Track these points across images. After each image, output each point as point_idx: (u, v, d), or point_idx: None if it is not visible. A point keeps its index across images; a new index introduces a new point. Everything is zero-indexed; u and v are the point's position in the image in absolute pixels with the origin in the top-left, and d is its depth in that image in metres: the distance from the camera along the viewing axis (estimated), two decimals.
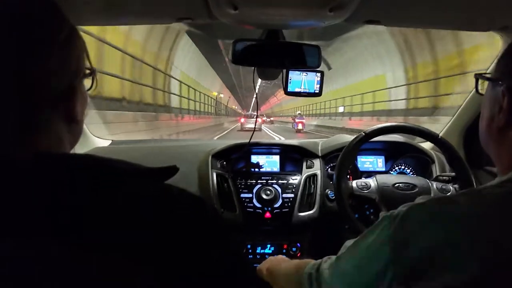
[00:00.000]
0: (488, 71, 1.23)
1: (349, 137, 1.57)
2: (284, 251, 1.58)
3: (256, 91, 1.54)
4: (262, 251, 1.57)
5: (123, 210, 0.47)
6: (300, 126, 23.39)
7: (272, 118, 51.95)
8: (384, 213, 0.64)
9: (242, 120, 25.51)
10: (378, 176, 1.42)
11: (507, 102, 0.62)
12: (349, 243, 0.72)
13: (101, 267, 0.43)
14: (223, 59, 21.70)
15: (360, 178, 1.58)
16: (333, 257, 0.75)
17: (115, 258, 0.44)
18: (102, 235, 0.45)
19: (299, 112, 34.88)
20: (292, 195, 1.55)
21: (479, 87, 0.78)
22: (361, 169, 1.75)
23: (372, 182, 1.39)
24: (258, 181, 1.58)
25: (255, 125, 1.93)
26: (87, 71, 0.60)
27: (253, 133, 1.63)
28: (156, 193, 0.51)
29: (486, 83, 0.70)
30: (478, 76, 0.75)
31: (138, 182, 0.51)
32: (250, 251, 1.57)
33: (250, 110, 68.61)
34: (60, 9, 0.54)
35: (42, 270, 0.41)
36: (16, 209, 0.43)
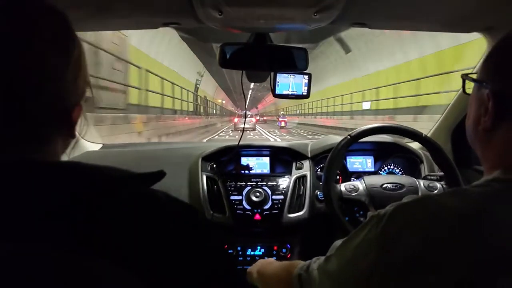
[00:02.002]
0: (474, 71, 1.23)
1: (339, 138, 1.58)
2: (274, 252, 1.58)
3: (246, 92, 1.55)
4: (252, 253, 1.57)
5: (110, 216, 0.47)
6: (283, 124, 27.50)
7: (264, 118, 52.08)
8: (371, 213, 0.64)
9: (236, 120, 27.12)
10: (366, 178, 1.43)
11: (492, 106, 0.61)
12: (338, 243, 0.72)
13: (90, 273, 0.43)
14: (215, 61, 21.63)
15: (350, 178, 1.59)
16: (322, 258, 0.75)
17: (103, 263, 0.44)
18: (89, 240, 0.45)
19: (282, 112, 38.63)
20: (282, 197, 1.55)
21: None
22: (350, 170, 1.75)
23: (360, 184, 1.40)
24: (248, 183, 1.58)
25: (244, 125, 1.95)
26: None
27: (242, 134, 1.64)
28: (143, 199, 0.51)
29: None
30: (465, 77, 0.73)
31: (125, 187, 0.51)
32: (240, 253, 1.57)
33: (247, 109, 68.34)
34: (72, 28, 0.55)
35: (32, 275, 0.41)
36: (5, 215, 0.43)
